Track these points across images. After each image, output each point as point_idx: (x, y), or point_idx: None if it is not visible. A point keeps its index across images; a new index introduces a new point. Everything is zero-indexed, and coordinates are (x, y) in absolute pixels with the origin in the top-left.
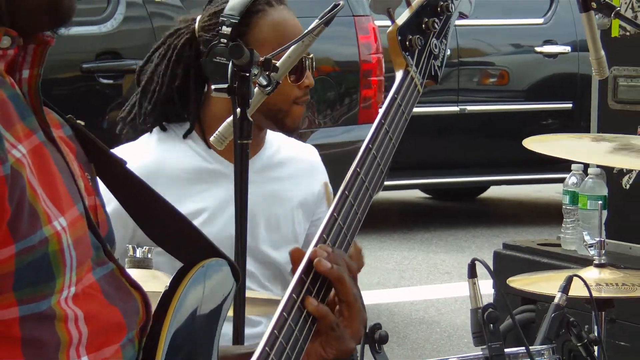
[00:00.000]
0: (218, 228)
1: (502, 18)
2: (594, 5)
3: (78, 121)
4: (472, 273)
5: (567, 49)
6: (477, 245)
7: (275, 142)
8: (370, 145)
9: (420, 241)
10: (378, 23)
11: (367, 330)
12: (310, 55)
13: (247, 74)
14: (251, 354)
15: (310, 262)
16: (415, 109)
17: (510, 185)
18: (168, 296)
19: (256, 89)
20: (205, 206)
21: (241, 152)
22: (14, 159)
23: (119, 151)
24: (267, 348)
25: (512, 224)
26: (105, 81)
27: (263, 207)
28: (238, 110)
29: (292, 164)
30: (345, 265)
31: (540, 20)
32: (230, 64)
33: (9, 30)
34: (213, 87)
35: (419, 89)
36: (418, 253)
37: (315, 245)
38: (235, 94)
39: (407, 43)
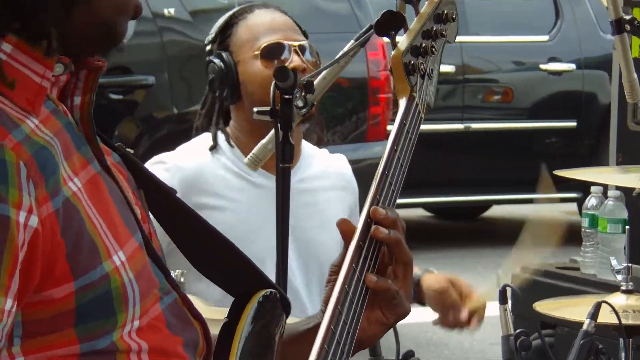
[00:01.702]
0: (260, 242)
1: (507, 35)
2: (627, 27)
3: (127, 149)
4: (503, 299)
5: (572, 66)
6: (483, 265)
7: (309, 153)
8: (386, 173)
9: (425, 261)
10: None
11: (401, 357)
12: (302, 42)
13: (290, 97)
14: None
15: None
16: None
17: (514, 204)
18: (229, 329)
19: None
20: (246, 218)
21: (283, 175)
22: (70, 192)
23: (160, 159)
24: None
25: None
26: (115, 96)
27: (298, 219)
28: (281, 133)
29: (327, 176)
30: (400, 226)
31: (545, 38)
32: (273, 86)
33: (61, 57)
34: (255, 109)
35: (421, 116)
36: None
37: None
38: (278, 116)
39: (411, 67)
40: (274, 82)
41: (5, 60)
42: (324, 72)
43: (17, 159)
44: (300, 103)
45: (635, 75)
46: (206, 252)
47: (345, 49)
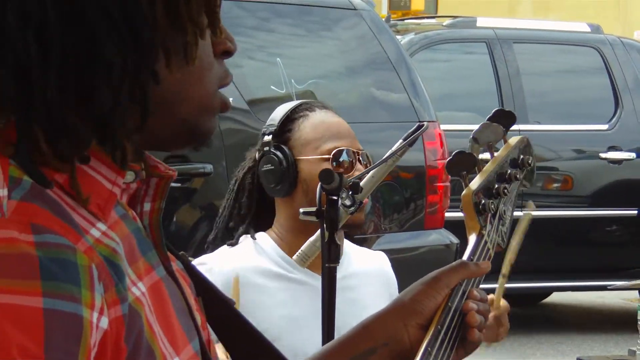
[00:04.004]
0: (306, 337)
1: (567, 124)
2: None
3: (191, 259)
4: None
5: (632, 155)
6: (543, 353)
7: (348, 251)
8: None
9: (484, 347)
10: (444, 127)
11: None
12: (362, 151)
13: (336, 198)
14: None
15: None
16: None
17: (575, 291)
18: None
19: (340, 209)
20: (292, 314)
21: (329, 275)
22: (134, 297)
23: (202, 260)
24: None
25: (576, 330)
26: (173, 184)
27: (338, 316)
28: (327, 234)
29: (366, 274)
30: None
31: (605, 127)
32: (319, 188)
33: (132, 165)
34: (301, 210)
35: (490, 253)
36: None
37: None
38: (324, 217)
39: (481, 207)
40: (319, 184)
41: (80, 166)
42: (372, 172)
43: (90, 262)
44: (348, 202)
45: None
46: (252, 358)
47: (394, 148)
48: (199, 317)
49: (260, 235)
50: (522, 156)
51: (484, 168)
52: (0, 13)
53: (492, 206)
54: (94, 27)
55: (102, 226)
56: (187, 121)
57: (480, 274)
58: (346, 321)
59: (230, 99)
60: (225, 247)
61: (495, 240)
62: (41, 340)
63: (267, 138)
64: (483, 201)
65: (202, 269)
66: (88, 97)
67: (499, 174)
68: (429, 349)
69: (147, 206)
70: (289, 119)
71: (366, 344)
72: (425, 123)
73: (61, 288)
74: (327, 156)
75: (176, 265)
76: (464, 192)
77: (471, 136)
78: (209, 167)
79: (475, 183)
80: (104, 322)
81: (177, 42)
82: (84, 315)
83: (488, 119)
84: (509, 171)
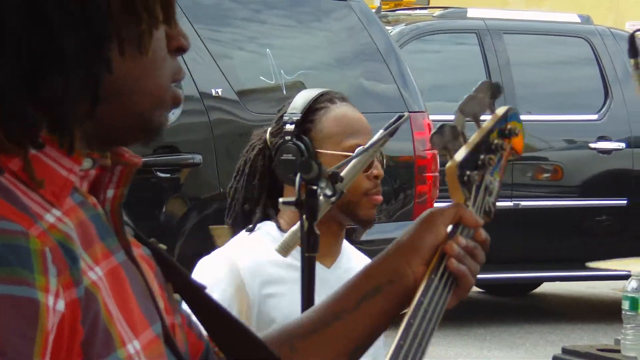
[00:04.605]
0: None
1: (556, 114)
2: None
3: (160, 245)
4: None
5: (622, 145)
6: (532, 343)
7: (347, 250)
8: (429, 285)
9: (474, 337)
10: (433, 118)
11: None
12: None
13: (315, 187)
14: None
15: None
16: None
17: (564, 281)
18: None
19: (321, 198)
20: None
21: (308, 265)
22: (90, 281)
23: (215, 255)
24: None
25: (565, 320)
26: (162, 175)
27: None
28: (306, 223)
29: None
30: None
31: (595, 117)
32: (298, 178)
33: (90, 153)
34: (281, 200)
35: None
36: (472, 349)
37: None
38: (303, 207)
39: (465, 178)
40: (298, 174)
41: (36, 154)
42: (353, 161)
43: (43, 246)
44: (328, 192)
45: None
46: (232, 343)
47: (375, 138)
48: (161, 302)
49: (270, 224)
50: (509, 126)
51: (470, 139)
52: None
53: (477, 178)
54: (49, 13)
55: (56, 212)
56: (139, 114)
57: (473, 221)
58: None
59: (220, 90)
60: (244, 233)
61: (481, 211)
62: None
63: (289, 127)
64: (468, 172)
65: (221, 261)
66: (40, 82)
67: (485, 145)
68: (422, 299)
69: (110, 193)
70: (311, 109)
71: (371, 284)
72: (405, 113)
73: (15, 273)
74: (348, 153)
75: (141, 251)
76: (447, 164)
77: (457, 108)
78: (198, 158)
79: (460, 155)
80: (61, 305)
81: (131, 31)
82: (39, 299)
83: (474, 91)
84: (495, 141)
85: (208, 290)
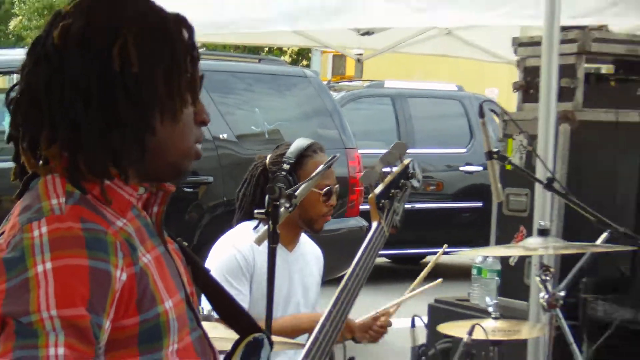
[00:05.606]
0: (284, 290)
1: (440, 148)
2: (495, 156)
3: (184, 242)
4: (412, 324)
5: (480, 168)
6: (418, 296)
7: (303, 239)
8: (357, 263)
9: (382, 293)
10: (361, 152)
11: None
12: (336, 186)
13: (277, 203)
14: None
15: None
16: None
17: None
18: (229, 355)
19: (282, 209)
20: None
21: (272, 254)
22: (143, 263)
23: (224, 238)
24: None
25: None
26: (187, 190)
27: (300, 277)
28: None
29: (311, 254)
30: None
31: (464, 150)
32: (267, 197)
33: (143, 184)
34: (256, 211)
35: (385, 235)
36: (382, 300)
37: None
38: (270, 215)
39: (381, 205)
40: (267, 195)
41: (109, 184)
42: (304, 185)
43: (115, 240)
44: (287, 205)
45: (499, 185)
46: (224, 308)
47: (318, 170)
48: (185, 278)
49: (254, 222)
50: (412, 172)
51: (385, 179)
52: (60, 91)
53: (388, 204)
54: (118, 95)
55: (123, 220)
56: (172, 163)
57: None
58: (305, 275)
59: (225, 135)
60: (248, 224)
61: (390, 225)
62: (87, 284)
63: (286, 166)
64: (383, 201)
65: (229, 245)
66: (109, 136)
67: (394, 183)
68: (319, 335)
69: (155, 209)
70: (302, 155)
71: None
72: (337, 155)
73: (99, 254)
74: (320, 190)
75: (173, 247)
76: (369, 195)
77: (379, 158)
78: (210, 179)
79: (378, 189)
80: (124, 277)
81: (169, 108)
82: (111, 271)
83: (390, 148)
84: (402, 181)
85: (223, 254)
